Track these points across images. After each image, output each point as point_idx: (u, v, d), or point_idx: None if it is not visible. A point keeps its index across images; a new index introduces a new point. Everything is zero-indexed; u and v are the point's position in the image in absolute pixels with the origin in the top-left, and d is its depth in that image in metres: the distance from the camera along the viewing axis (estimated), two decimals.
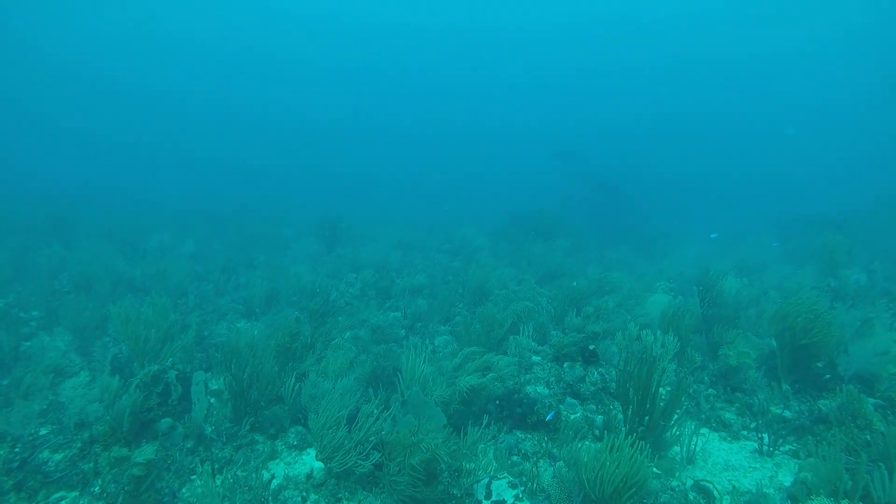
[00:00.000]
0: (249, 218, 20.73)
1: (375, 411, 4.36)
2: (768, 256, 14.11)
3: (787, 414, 5.13)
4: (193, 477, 4.45)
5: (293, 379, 4.78)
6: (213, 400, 5.16)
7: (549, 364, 5.82)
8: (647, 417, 4.15)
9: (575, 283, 8.06)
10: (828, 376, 5.46)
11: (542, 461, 4.49)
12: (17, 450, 4.63)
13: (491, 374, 4.69)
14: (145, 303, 6.38)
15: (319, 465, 4.06)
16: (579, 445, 4.89)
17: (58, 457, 4.62)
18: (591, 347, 5.73)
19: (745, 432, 5.05)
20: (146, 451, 3.74)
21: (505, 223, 18.82)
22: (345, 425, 3.76)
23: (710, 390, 5.70)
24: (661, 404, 4.38)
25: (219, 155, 59.60)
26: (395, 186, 42.79)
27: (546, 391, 5.26)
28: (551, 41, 56.38)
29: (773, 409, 5.27)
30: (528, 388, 5.12)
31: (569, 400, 5.33)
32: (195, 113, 68.45)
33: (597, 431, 4.96)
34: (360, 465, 3.41)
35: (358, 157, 63.78)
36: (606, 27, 52.80)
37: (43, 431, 5.11)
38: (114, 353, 6.56)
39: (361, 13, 55.29)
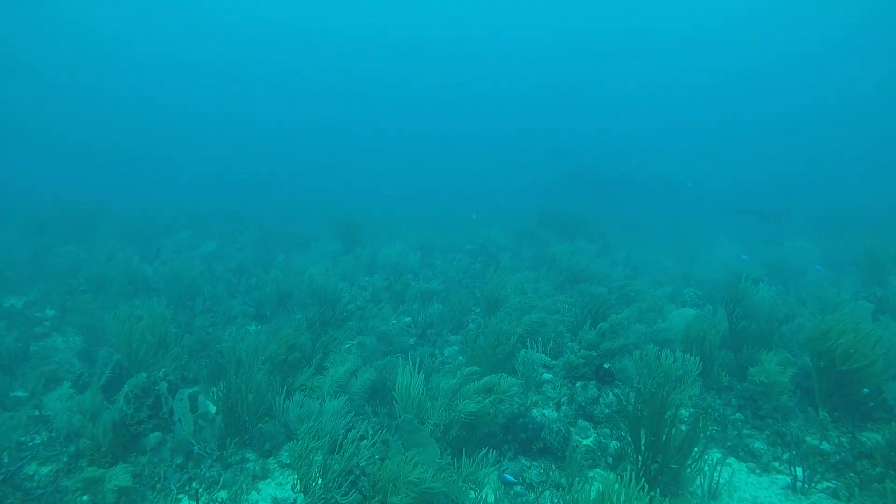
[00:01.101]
0: (273, 218, 20.72)
1: (370, 430, 4.08)
2: (805, 260, 13.28)
3: (826, 446, 4.60)
4: (180, 496, 4.27)
5: (282, 396, 4.52)
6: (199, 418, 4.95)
7: (560, 381, 5.41)
8: (660, 455, 3.72)
9: (596, 291, 7.60)
10: (872, 404, 4.90)
11: (546, 492, 4.12)
12: (5, 461, 4.51)
13: (492, 397, 4.32)
14: (148, 306, 6.24)
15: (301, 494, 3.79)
16: (590, 474, 4.54)
17: (45, 470, 4.49)
18: (607, 366, 5.30)
19: (776, 464, 4.55)
20: (121, 477, 3.53)
21: (530, 224, 18.32)
22: (326, 454, 3.47)
23: (738, 415, 5.21)
24: (683, 428, 3.95)
25: (245, 160, 61.05)
26: (423, 189, 42.62)
27: (554, 414, 4.86)
28: (562, 47, 58.52)
29: (808, 439, 4.76)
30: (535, 412, 4.73)
31: (581, 423, 4.94)
32: (221, 122, 71.18)
33: (610, 459, 4.56)
34: (338, 501, 3.11)
35: (387, 160, 64.26)
36: (619, 36, 55.09)
37: (38, 440, 5.01)
38: (116, 359, 6.45)
39: (383, 25, 57.87)
